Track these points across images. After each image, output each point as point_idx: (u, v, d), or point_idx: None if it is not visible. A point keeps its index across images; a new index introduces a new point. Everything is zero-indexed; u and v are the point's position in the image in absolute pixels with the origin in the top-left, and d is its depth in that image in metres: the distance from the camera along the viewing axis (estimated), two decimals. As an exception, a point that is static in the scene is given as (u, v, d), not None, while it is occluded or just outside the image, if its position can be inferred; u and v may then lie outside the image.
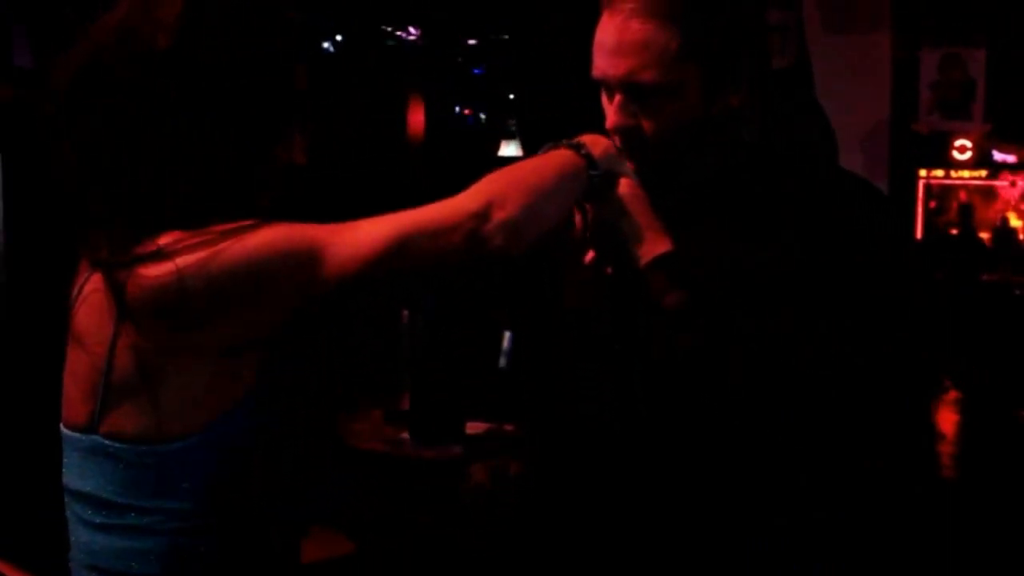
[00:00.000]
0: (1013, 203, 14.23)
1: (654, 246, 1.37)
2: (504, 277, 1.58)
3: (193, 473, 1.20)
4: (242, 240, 1.18)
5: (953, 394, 7.01)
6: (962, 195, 14.09)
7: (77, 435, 1.25)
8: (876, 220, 1.44)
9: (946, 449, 6.04)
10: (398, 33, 8.01)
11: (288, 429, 1.27)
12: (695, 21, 1.34)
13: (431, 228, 1.22)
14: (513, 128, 9.01)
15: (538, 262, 1.48)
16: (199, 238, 1.19)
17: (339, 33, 7.68)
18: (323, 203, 1.40)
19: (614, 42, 1.36)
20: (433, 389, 3.20)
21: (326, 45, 7.53)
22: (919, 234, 13.19)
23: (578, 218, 1.41)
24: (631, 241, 1.38)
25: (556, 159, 1.36)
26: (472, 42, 8.72)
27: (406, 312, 3.51)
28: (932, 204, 14.12)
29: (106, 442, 1.22)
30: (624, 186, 1.39)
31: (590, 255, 1.42)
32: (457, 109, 10.31)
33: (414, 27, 7.96)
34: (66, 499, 1.29)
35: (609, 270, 1.42)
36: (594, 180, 1.36)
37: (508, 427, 3.19)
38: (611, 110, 1.40)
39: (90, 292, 1.26)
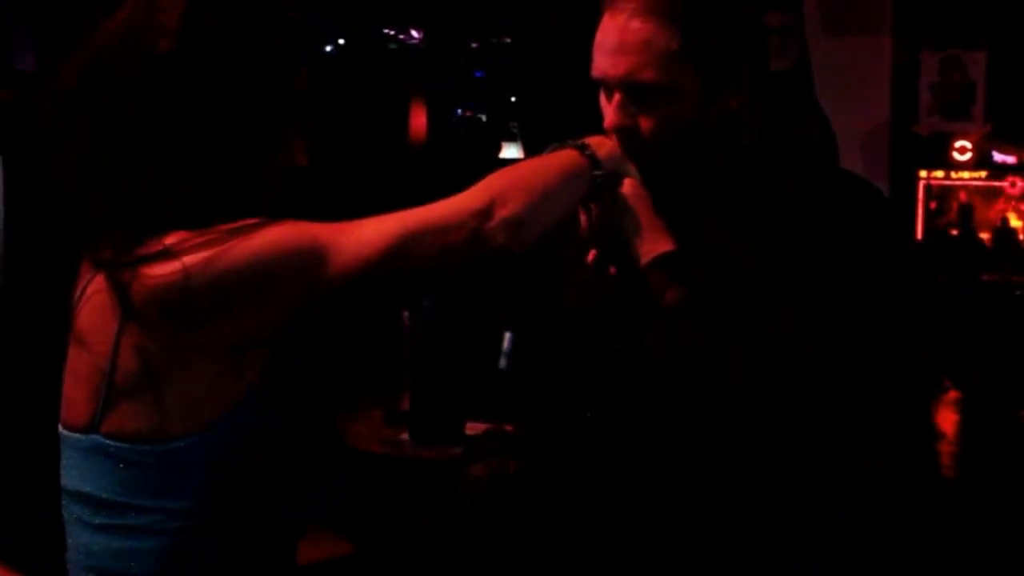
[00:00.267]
0: (1013, 204, 14.23)
1: (655, 245, 1.38)
2: (504, 277, 1.58)
3: (194, 472, 1.20)
4: (247, 239, 1.19)
5: (953, 394, 7.00)
6: (962, 196, 14.08)
7: (77, 435, 1.26)
8: (876, 220, 1.44)
9: (946, 449, 6.04)
10: (399, 35, 8.02)
11: (289, 429, 1.27)
12: (695, 22, 1.34)
13: (434, 226, 1.23)
14: (514, 130, 9.02)
15: (540, 262, 1.49)
16: (204, 237, 1.19)
17: (341, 35, 7.68)
18: (324, 204, 1.41)
19: (614, 41, 1.36)
20: (433, 389, 3.20)
21: (328, 47, 7.54)
22: (919, 234, 13.18)
23: (582, 218, 1.41)
24: (633, 240, 1.38)
25: (560, 159, 1.36)
26: (473, 44, 8.72)
27: (406, 312, 3.51)
28: (932, 205, 14.11)
29: (107, 442, 1.22)
30: (627, 186, 1.39)
31: (592, 255, 1.42)
32: (458, 111, 10.32)
33: (415, 29, 7.97)
34: (64, 500, 1.29)
35: (612, 270, 1.42)
36: (598, 180, 1.36)
37: (508, 427, 3.19)
38: (610, 110, 1.40)
39: (93, 293, 1.26)
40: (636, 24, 1.34)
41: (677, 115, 1.38)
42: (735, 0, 1.40)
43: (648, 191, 1.41)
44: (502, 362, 2.13)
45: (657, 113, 1.38)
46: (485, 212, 1.24)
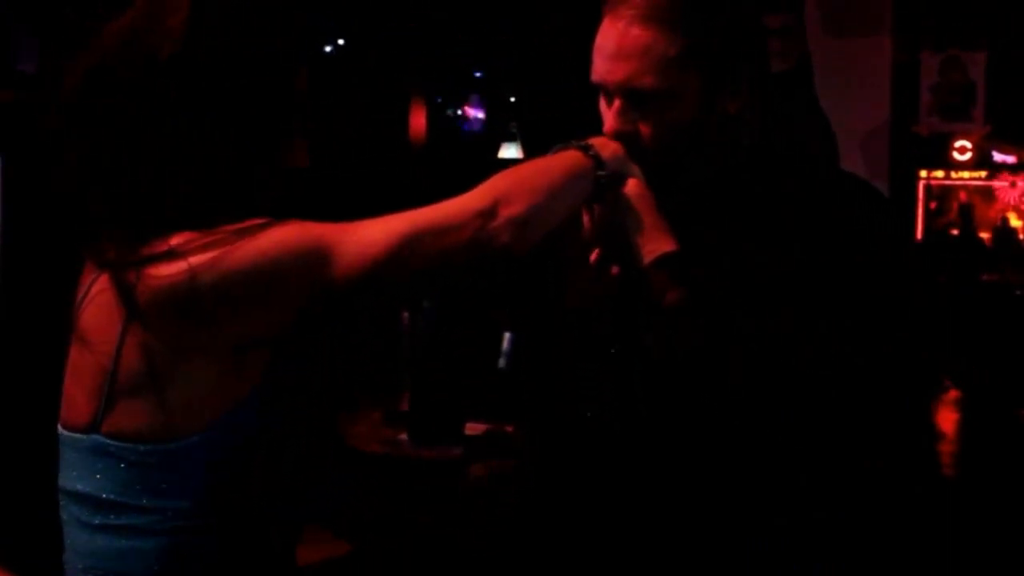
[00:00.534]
0: (1013, 203, 14.24)
1: (658, 245, 1.38)
2: (505, 277, 1.58)
3: (195, 472, 1.20)
4: (253, 239, 1.19)
5: (953, 394, 7.01)
6: (962, 195, 14.10)
7: (77, 435, 1.25)
8: (876, 220, 1.44)
9: (946, 448, 6.04)
10: (399, 35, 8.02)
11: (290, 429, 1.27)
12: (695, 28, 1.34)
13: (439, 226, 1.23)
14: (514, 130, 9.03)
15: (542, 262, 1.49)
16: (210, 238, 1.19)
17: (340, 35, 7.69)
18: (325, 204, 1.41)
19: (614, 47, 1.36)
20: (433, 390, 3.20)
21: (328, 47, 7.54)
22: (919, 234, 13.19)
23: (585, 219, 1.42)
24: (636, 240, 1.38)
25: (564, 160, 1.37)
26: (473, 44, 8.73)
27: (406, 312, 3.51)
28: (932, 205, 14.13)
29: (108, 441, 1.22)
30: (631, 186, 1.39)
31: (595, 255, 1.43)
32: (458, 111, 10.32)
33: (415, 29, 7.97)
34: (62, 501, 1.29)
35: (616, 270, 1.42)
36: (601, 181, 1.37)
37: (508, 428, 3.19)
38: (610, 115, 1.41)
39: (97, 293, 1.26)
40: (635, 30, 1.35)
41: (677, 119, 1.38)
42: (734, 5, 1.40)
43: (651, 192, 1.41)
44: (501, 362, 2.13)
45: (657, 118, 1.38)
46: (490, 212, 1.24)
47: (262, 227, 1.20)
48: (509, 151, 8.87)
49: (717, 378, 1.37)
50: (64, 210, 1.27)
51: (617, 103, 1.39)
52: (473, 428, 3.20)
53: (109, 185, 1.24)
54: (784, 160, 1.50)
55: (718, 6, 1.37)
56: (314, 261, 1.20)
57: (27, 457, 2.21)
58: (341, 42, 7.83)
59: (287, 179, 1.32)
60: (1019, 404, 6.42)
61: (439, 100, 9.70)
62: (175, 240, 1.20)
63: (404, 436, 3.20)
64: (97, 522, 1.23)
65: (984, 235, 12.55)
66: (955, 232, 12.51)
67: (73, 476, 1.26)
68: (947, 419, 6.63)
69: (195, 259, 1.18)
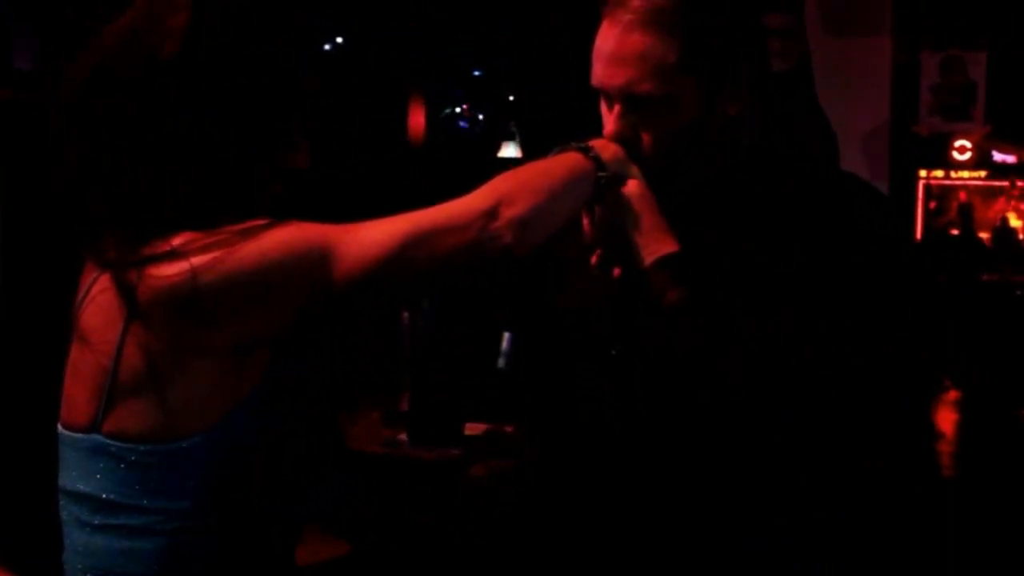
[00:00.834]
0: (1012, 203, 14.24)
1: (660, 246, 1.38)
2: (505, 278, 1.58)
3: (195, 473, 1.20)
4: (255, 240, 1.19)
5: (953, 394, 7.01)
6: (962, 195, 14.10)
7: (77, 435, 1.25)
8: (875, 220, 1.44)
9: (946, 448, 6.05)
10: (399, 34, 8.02)
11: (290, 429, 1.27)
12: (693, 33, 1.34)
13: (441, 227, 1.23)
14: (513, 129, 9.03)
15: (542, 263, 1.49)
16: (212, 238, 1.19)
17: (340, 34, 7.68)
18: (324, 204, 1.41)
19: (613, 53, 1.37)
20: (432, 390, 3.20)
21: (327, 46, 7.54)
22: (919, 234, 13.20)
23: (586, 220, 1.42)
24: (637, 241, 1.38)
25: (565, 161, 1.37)
26: (472, 43, 8.72)
27: (406, 312, 3.51)
28: (932, 204, 14.14)
29: (108, 441, 1.22)
30: (631, 187, 1.39)
31: (596, 256, 1.43)
32: (457, 110, 10.32)
33: (414, 28, 7.97)
34: (62, 501, 1.29)
35: (617, 271, 1.42)
36: (602, 182, 1.37)
37: (508, 428, 3.18)
38: (610, 119, 1.41)
39: (98, 292, 1.26)
40: (635, 37, 1.35)
41: (677, 123, 1.38)
42: (733, 7, 1.40)
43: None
44: (501, 362, 2.13)
45: (657, 122, 1.38)
46: (492, 213, 1.24)
47: (264, 228, 1.20)
48: (508, 150, 8.87)
49: (717, 378, 1.37)
50: (64, 210, 1.27)
51: (617, 108, 1.39)
52: (473, 428, 3.20)
53: (109, 185, 1.24)
54: (784, 160, 1.50)
55: (716, 9, 1.37)
56: (315, 262, 1.20)
57: (27, 457, 2.21)
58: (340, 40, 7.83)
59: (287, 179, 1.32)
60: (1019, 404, 6.42)
61: (438, 99, 9.70)
62: (177, 240, 1.20)
63: (404, 436, 3.20)
64: (97, 522, 1.23)
65: (984, 235, 12.55)
66: (955, 232, 12.51)
67: (73, 476, 1.26)
68: (947, 419, 6.63)
69: (196, 259, 1.18)
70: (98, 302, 1.26)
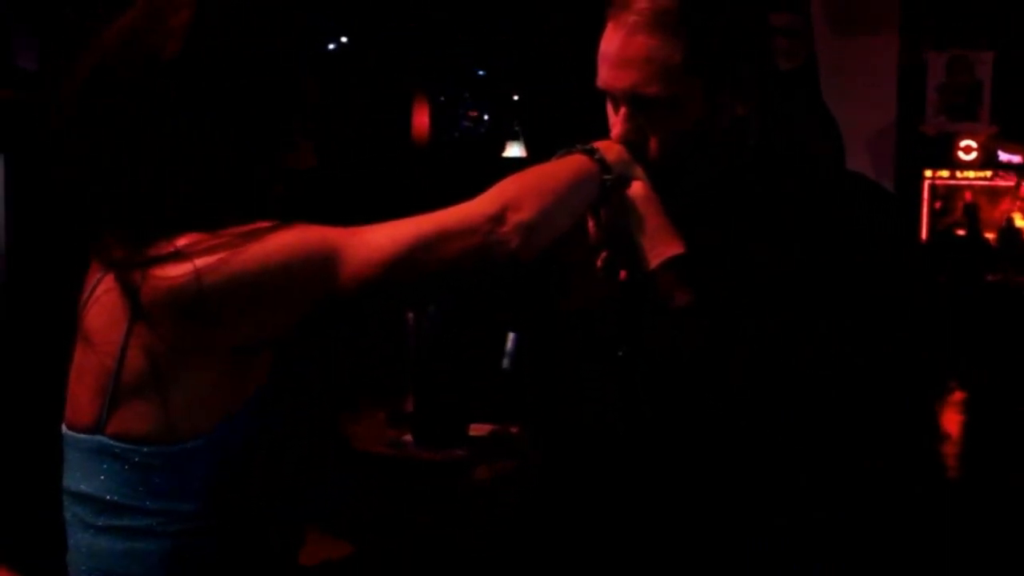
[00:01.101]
0: (1018, 204, 14.23)
1: (666, 248, 1.38)
2: (510, 280, 1.58)
3: (199, 474, 1.20)
4: (261, 242, 1.19)
5: (958, 394, 7.01)
6: (967, 195, 14.09)
7: (81, 436, 1.25)
8: (877, 220, 1.43)
9: (950, 449, 6.04)
10: (401, 34, 8.03)
11: (293, 430, 1.27)
12: (699, 33, 1.34)
13: (447, 231, 1.23)
14: (517, 129, 9.03)
15: (547, 266, 1.48)
16: (217, 240, 1.19)
17: (343, 33, 7.69)
18: (326, 204, 1.40)
19: (618, 55, 1.36)
20: (437, 391, 3.20)
21: (330, 46, 7.55)
22: (924, 234, 13.19)
23: (591, 223, 1.41)
24: (642, 243, 1.38)
25: (570, 164, 1.37)
26: (475, 43, 8.73)
27: (411, 314, 3.50)
28: (937, 204, 14.12)
29: (112, 442, 1.22)
30: (636, 189, 1.39)
31: (601, 259, 1.42)
32: (461, 110, 10.33)
33: (417, 28, 7.97)
34: (65, 501, 1.29)
35: (623, 274, 1.42)
36: (607, 184, 1.36)
37: (512, 429, 3.18)
38: (616, 121, 1.41)
39: (102, 293, 1.26)
40: (640, 38, 1.34)
41: (683, 124, 1.38)
42: (738, 8, 1.39)
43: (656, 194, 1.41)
44: (505, 363, 2.13)
45: (663, 123, 1.38)
46: (498, 217, 1.24)
47: (269, 230, 1.20)
48: (512, 150, 8.87)
49: (719, 379, 1.37)
50: (66, 209, 1.27)
51: (623, 110, 1.39)
52: (477, 429, 3.20)
53: (110, 185, 1.24)
54: (786, 160, 1.50)
55: (721, 9, 1.37)
56: (321, 265, 1.20)
57: (30, 457, 2.21)
58: (344, 40, 7.83)
59: (289, 179, 1.32)
60: (1023, 404, 6.42)
61: (442, 99, 9.71)
62: (181, 241, 1.20)
63: (408, 437, 3.20)
64: (100, 523, 1.23)
65: (989, 235, 12.54)
66: (961, 232, 12.49)
67: (77, 477, 1.26)
68: (951, 420, 6.63)
69: (201, 261, 1.18)
70: (102, 302, 1.26)
